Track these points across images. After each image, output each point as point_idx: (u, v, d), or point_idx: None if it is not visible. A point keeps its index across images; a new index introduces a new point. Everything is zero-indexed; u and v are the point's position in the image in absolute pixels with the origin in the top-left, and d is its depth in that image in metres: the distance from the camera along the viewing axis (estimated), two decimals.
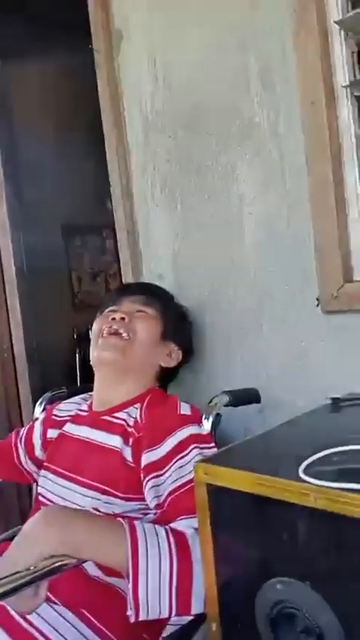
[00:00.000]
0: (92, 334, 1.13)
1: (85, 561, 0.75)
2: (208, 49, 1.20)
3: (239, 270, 1.19)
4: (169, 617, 0.74)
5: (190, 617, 0.84)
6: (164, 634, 0.90)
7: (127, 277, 1.42)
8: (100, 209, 3.46)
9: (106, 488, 0.96)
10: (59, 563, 0.71)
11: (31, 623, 0.85)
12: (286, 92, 1.07)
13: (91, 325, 1.15)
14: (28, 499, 2.00)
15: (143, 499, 0.93)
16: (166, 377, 1.16)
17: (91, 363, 1.13)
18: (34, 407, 2.00)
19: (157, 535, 0.75)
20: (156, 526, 0.78)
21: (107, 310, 1.14)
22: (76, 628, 0.86)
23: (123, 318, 1.09)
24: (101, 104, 1.42)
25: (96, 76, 1.43)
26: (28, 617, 0.85)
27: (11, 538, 1.17)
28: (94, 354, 1.10)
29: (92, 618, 0.87)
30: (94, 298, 3.37)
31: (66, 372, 2.88)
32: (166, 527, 0.79)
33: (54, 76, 3.16)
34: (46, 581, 0.71)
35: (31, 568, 0.69)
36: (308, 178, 1.04)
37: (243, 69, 1.14)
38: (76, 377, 2.79)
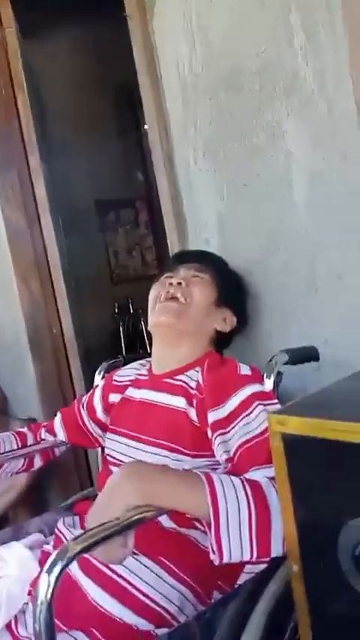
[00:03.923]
0: (150, 300, 1.16)
1: (167, 511, 0.79)
2: (245, 4, 1.17)
3: (290, 230, 1.18)
4: (250, 559, 0.77)
5: (264, 567, 0.87)
6: (239, 582, 0.94)
7: (174, 244, 1.43)
8: (132, 182, 3.47)
9: (174, 446, 0.99)
10: (144, 514, 0.74)
11: (114, 571, 0.90)
12: (332, 41, 1.04)
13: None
14: (86, 467, 2.08)
15: (211, 456, 0.95)
16: (221, 342, 1.18)
17: (149, 328, 1.16)
18: (84, 380, 2.06)
19: (232, 483, 0.78)
20: (230, 476, 0.81)
21: (164, 277, 1.16)
22: (155, 573, 0.91)
23: (180, 283, 1.11)
24: (138, 70, 1.41)
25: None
26: (111, 566, 0.90)
27: (86, 498, 1.24)
28: (152, 318, 1.13)
29: (170, 565, 0.92)
30: (132, 272, 3.43)
31: (111, 343, 2.96)
32: (240, 477, 0.81)
33: (81, 49, 3.13)
34: (133, 531, 0.74)
35: (119, 519, 0.73)
36: None
37: (284, 21, 1.11)
38: (121, 347, 2.87)
